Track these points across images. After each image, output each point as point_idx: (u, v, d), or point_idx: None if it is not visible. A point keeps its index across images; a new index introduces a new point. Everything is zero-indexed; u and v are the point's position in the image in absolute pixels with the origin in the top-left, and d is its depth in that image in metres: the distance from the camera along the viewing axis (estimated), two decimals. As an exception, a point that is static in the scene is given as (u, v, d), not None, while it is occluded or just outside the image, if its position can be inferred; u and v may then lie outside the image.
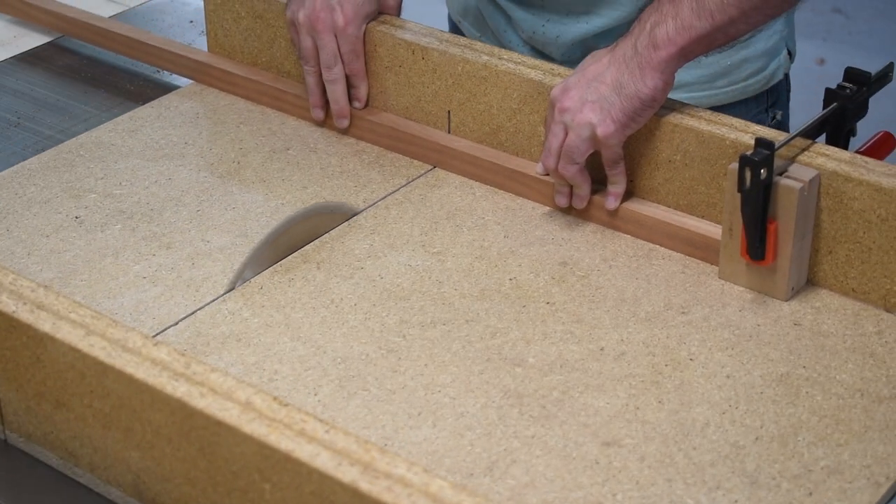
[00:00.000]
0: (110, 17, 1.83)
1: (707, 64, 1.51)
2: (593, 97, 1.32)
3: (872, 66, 1.36)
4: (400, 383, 1.19)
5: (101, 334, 1.04)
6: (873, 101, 1.36)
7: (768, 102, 1.60)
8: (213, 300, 1.29)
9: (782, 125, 1.62)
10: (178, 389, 0.99)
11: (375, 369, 1.20)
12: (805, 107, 1.51)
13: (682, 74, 1.35)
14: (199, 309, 1.28)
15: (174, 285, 1.31)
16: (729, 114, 1.53)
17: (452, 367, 1.21)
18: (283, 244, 1.36)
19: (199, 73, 1.65)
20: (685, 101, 1.38)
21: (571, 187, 1.38)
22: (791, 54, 1.62)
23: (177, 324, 1.26)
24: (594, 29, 1.51)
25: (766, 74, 1.57)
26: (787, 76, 1.62)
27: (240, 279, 1.32)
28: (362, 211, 1.42)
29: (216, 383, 0.99)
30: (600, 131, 1.32)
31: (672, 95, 1.37)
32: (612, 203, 1.38)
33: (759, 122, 1.58)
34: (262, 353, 1.22)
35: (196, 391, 0.99)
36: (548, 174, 1.39)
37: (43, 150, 1.54)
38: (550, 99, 1.36)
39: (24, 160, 1.52)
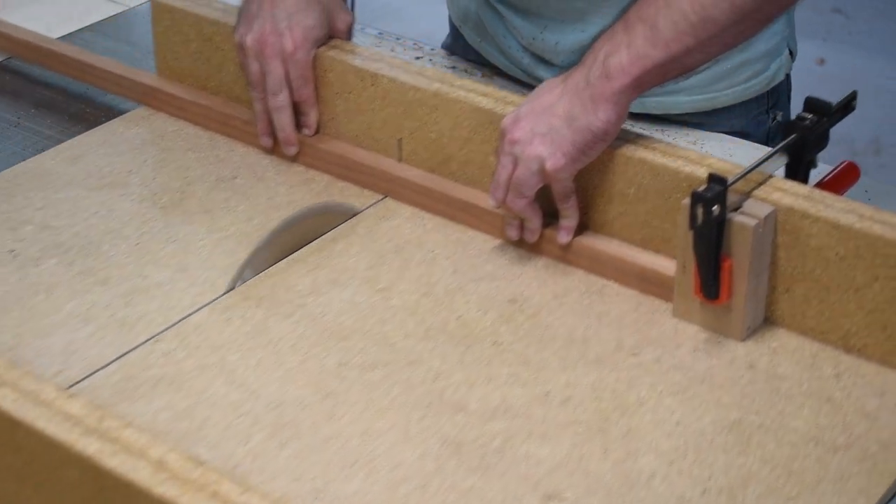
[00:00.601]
0: (110, 17, 1.79)
1: (707, 67, 1.46)
2: (543, 129, 1.27)
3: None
4: (335, 430, 1.14)
5: (12, 386, 1.00)
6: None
7: (769, 103, 1.57)
8: (147, 340, 1.24)
9: (783, 126, 1.58)
10: (90, 447, 0.94)
11: (310, 415, 1.16)
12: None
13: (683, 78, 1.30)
14: (131, 350, 1.23)
15: (107, 324, 1.26)
16: (730, 115, 1.50)
17: (391, 413, 1.16)
18: (284, 244, 1.34)
19: (147, 96, 1.60)
20: (687, 103, 1.32)
21: (522, 220, 1.34)
22: (793, 54, 1.58)
23: (107, 366, 1.21)
24: (592, 36, 1.46)
25: (767, 75, 1.54)
26: (788, 76, 1.59)
27: (239, 279, 1.30)
28: (311, 242, 1.37)
29: (129, 440, 0.95)
30: (549, 165, 1.27)
31: (673, 98, 1.32)
32: (564, 237, 1.33)
33: (760, 122, 1.55)
34: (194, 398, 1.17)
35: (108, 448, 0.94)
36: (500, 207, 1.35)
37: (43, 149, 1.51)
38: (501, 129, 1.31)
39: (23, 160, 1.49)
